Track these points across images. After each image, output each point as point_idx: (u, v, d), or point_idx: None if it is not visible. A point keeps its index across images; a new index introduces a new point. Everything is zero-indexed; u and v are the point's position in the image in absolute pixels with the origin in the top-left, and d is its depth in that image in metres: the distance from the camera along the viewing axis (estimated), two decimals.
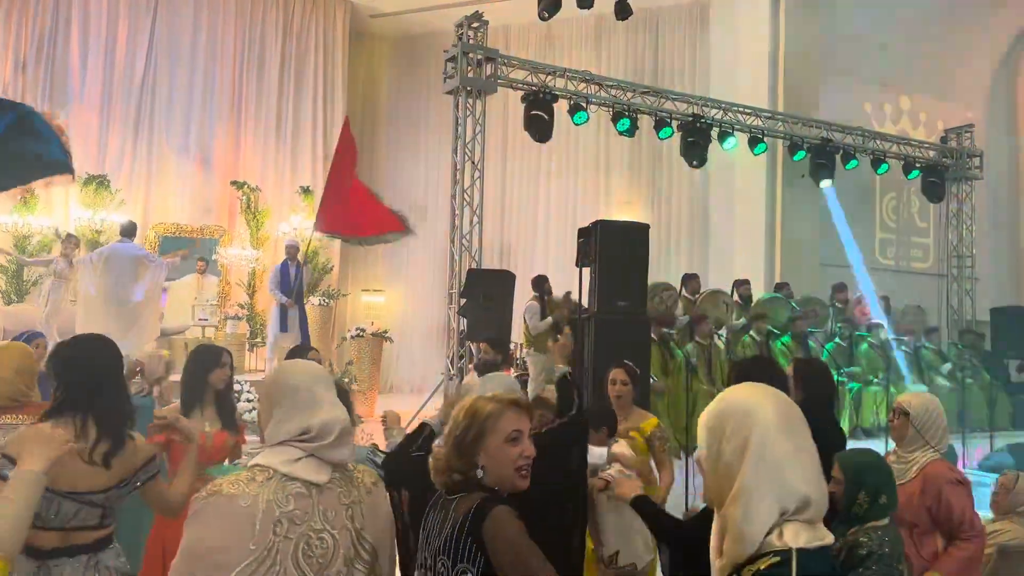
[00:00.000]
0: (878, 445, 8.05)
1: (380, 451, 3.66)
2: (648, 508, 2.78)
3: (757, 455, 1.49)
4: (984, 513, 4.36)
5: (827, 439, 3.61)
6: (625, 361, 4.38)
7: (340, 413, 2.00)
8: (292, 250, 10.57)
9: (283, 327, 10.28)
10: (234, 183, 13.46)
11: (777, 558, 1.44)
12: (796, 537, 1.46)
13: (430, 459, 2.19)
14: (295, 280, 10.31)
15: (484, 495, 2.04)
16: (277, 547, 1.83)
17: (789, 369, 3.90)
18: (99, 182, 12.25)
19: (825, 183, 11.77)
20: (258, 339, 12.84)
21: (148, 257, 9.97)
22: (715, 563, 1.56)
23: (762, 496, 1.47)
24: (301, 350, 4.97)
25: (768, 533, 1.46)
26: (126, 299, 9.43)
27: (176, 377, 4.32)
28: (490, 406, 2.13)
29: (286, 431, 1.94)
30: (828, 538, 1.50)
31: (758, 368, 3.58)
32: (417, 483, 2.55)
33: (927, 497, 3.33)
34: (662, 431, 4.31)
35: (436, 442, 2.79)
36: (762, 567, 1.44)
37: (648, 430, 4.24)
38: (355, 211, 8.93)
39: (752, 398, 1.59)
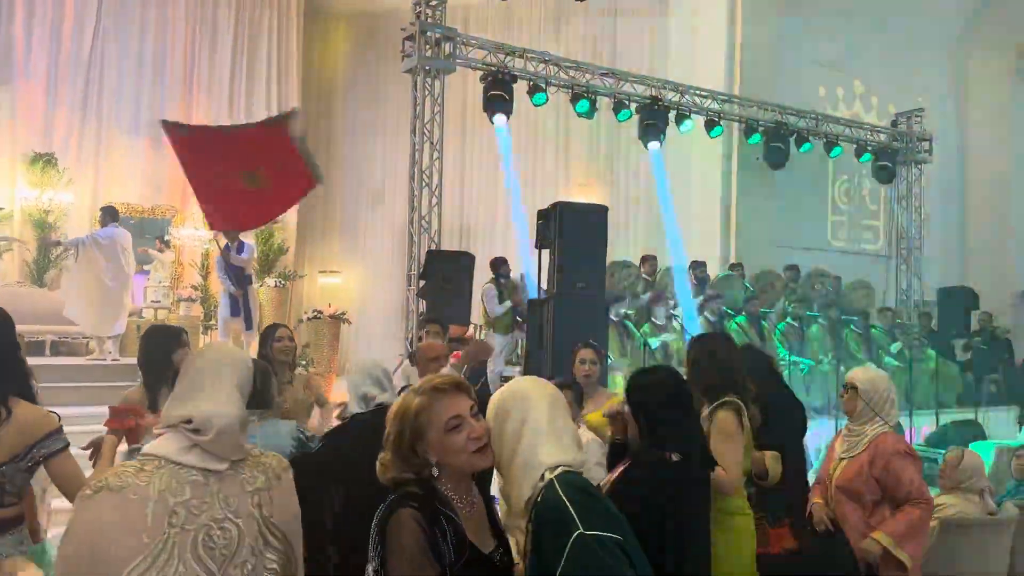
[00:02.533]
0: (829, 423, 8.25)
1: (304, 431, 3.66)
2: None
3: (532, 428, 1.97)
4: (932, 488, 4.51)
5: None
6: (591, 341, 4.41)
7: (227, 409, 1.86)
8: (233, 233, 10.29)
9: (233, 311, 10.08)
10: None
11: (542, 483, 1.91)
12: (552, 470, 1.93)
13: (377, 463, 2.01)
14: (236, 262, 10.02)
15: (407, 491, 1.93)
16: (173, 539, 1.72)
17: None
18: (46, 160, 11.91)
19: (779, 166, 11.93)
20: (212, 322, 12.64)
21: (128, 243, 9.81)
22: (502, 510, 2.05)
23: (536, 456, 1.94)
24: (272, 328, 4.90)
25: (540, 480, 1.92)
26: (112, 283, 9.38)
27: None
28: (416, 400, 1.97)
29: (176, 415, 1.84)
30: (574, 461, 1.98)
31: (714, 343, 3.65)
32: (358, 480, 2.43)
33: (876, 468, 3.43)
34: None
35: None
36: (538, 499, 1.90)
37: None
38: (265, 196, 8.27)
39: (528, 387, 2.08)
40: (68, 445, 2.61)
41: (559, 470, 1.93)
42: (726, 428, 3.16)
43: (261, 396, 3.37)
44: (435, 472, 1.96)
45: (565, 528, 1.82)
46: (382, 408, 3.19)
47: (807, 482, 3.95)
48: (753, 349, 4.64)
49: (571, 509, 1.84)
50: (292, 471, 2.01)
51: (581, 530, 1.81)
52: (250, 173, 6.92)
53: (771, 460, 3.50)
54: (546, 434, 1.97)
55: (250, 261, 9.88)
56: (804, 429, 4.01)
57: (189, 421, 1.82)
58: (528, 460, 1.95)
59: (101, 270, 9.28)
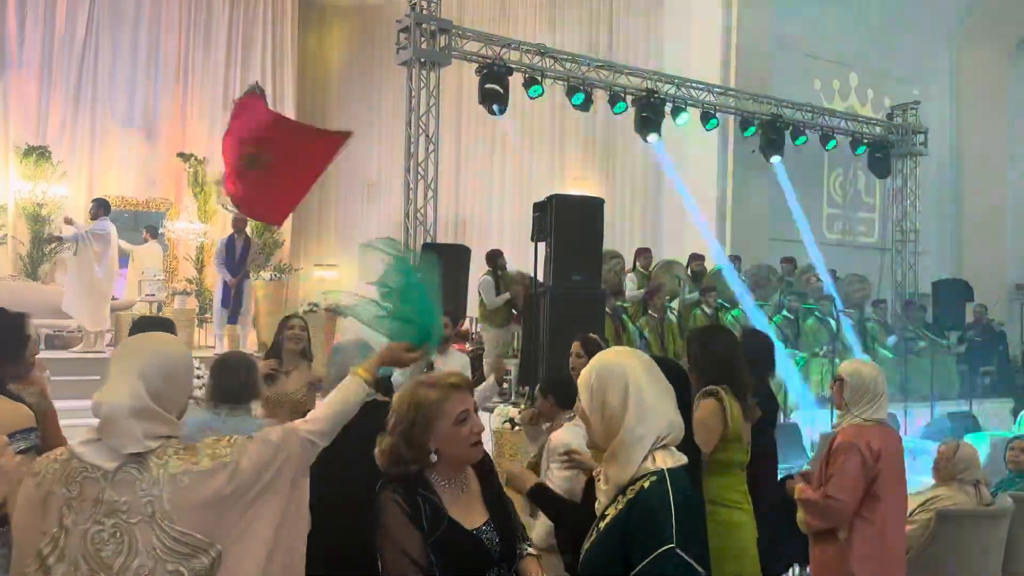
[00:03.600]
0: (824, 415, 8.27)
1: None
2: (544, 497, 2.78)
3: (636, 399, 1.93)
4: (927, 479, 4.52)
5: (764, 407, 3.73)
6: (591, 334, 4.41)
7: (116, 398, 1.74)
8: (239, 223, 10.31)
9: (226, 303, 10.08)
10: (180, 155, 13.16)
11: (655, 477, 1.87)
12: (664, 460, 1.90)
13: (376, 450, 2.18)
14: (240, 255, 10.06)
15: (391, 476, 2.14)
16: (63, 538, 1.65)
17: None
18: (40, 153, 11.86)
19: (775, 159, 11.93)
20: (207, 314, 12.63)
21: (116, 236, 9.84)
22: (601, 488, 1.98)
23: (642, 430, 1.91)
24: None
25: (643, 460, 1.90)
26: (102, 276, 9.47)
27: None
28: (433, 393, 2.16)
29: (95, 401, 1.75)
30: (684, 459, 1.95)
31: (712, 334, 3.69)
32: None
33: (829, 455, 3.45)
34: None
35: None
36: (645, 484, 1.87)
37: None
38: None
39: (623, 358, 2.04)
40: (33, 448, 2.52)
41: (672, 461, 1.91)
42: (700, 415, 3.17)
43: (246, 388, 3.36)
44: (434, 459, 2.14)
45: (659, 533, 1.81)
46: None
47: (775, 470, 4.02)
48: (756, 333, 4.64)
49: (673, 516, 1.81)
50: (228, 463, 1.79)
51: (674, 546, 1.79)
52: (252, 158, 7.03)
53: None
54: (650, 406, 1.94)
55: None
56: (773, 421, 4.11)
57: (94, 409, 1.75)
58: (634, 433, 1.92)
59: (95, 264, 9.31)
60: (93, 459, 1.71)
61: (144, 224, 12.84)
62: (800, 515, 3.49)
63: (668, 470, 1.88)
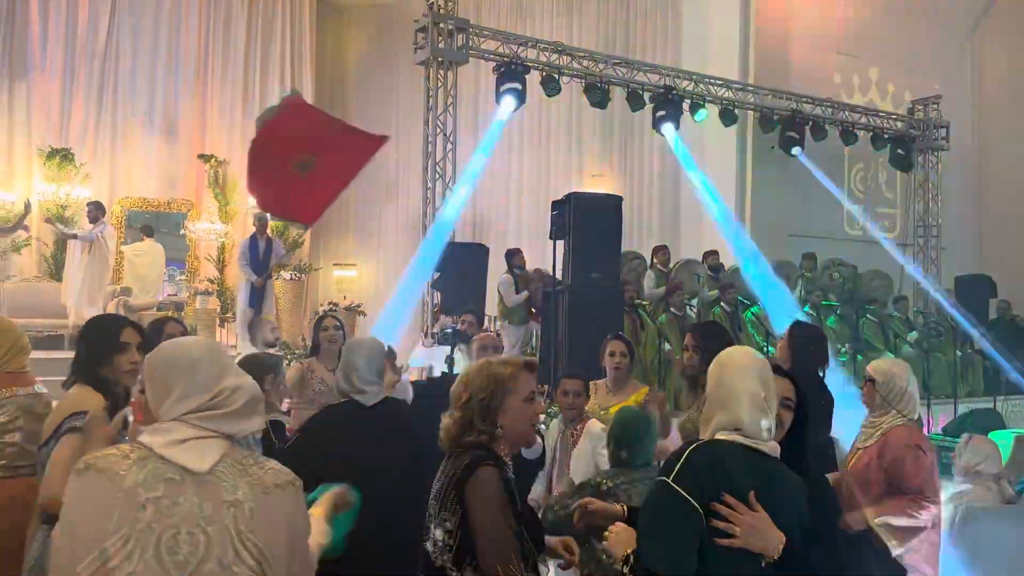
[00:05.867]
0: (848, 413, 8.20)
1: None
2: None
3: (727, 394, 2.10)
4: (947, 477, 4.49)
5: (816, 401, 3.73)
6: (619, 333, 4.44)
7: (248, 380, 1.85)
8: (261, 223, 10.40)
9: (252, 303, 10.17)
10: (201, 156, 13.26)
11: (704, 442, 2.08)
12: (729, 436, 2.05)
13: (446, 425, 2.26)
14: (264, 255, 10.15)
15: (476, 452, 2.18)
16: (136, 536, 1.63)
17: (785, 331, 4.06)
18: (63, 155, 12.00)
19: (795, 150, 11.82)
20: (228, 314, 12.73)
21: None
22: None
23: (721, 416, 2.08)
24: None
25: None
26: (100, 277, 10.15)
27: None
28: (508, 369, 2.27)
29: (185, 407, 1.74)
30: (761, 444, 2.04)
31: (710, 331, 3.81)
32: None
33: (883, 461, 3.39)
34: (653, 395, 4.35)
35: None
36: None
37: (641, 399, 4.30)
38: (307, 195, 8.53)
39: (736, 353, 2.21)
40: (76, 430, 2.67)
41: (734, 434, 2.05)
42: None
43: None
44: (499, 433, 2.23)
45: (666, 469, 2.04)
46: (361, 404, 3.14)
47: None
48: (805, 324, 4.65)
49: (679, 461, 2.01)
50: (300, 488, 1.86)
51: (666, 479, 1.99)
52: (303, 163, 7.08)
53: None
54: (737, 402, 2.07)
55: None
56: (831, 414, 4.08)
57: (210, 400, 1.75)
58: (713, 416, 2.10)
59: (97, 264, 9.92)
60: (182, 460, 1.70)
61: (166, 226, 12.98)
62: (887, 535, 3.34)
63: (722, 439, 2.04)
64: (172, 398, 1.75)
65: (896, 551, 3.31)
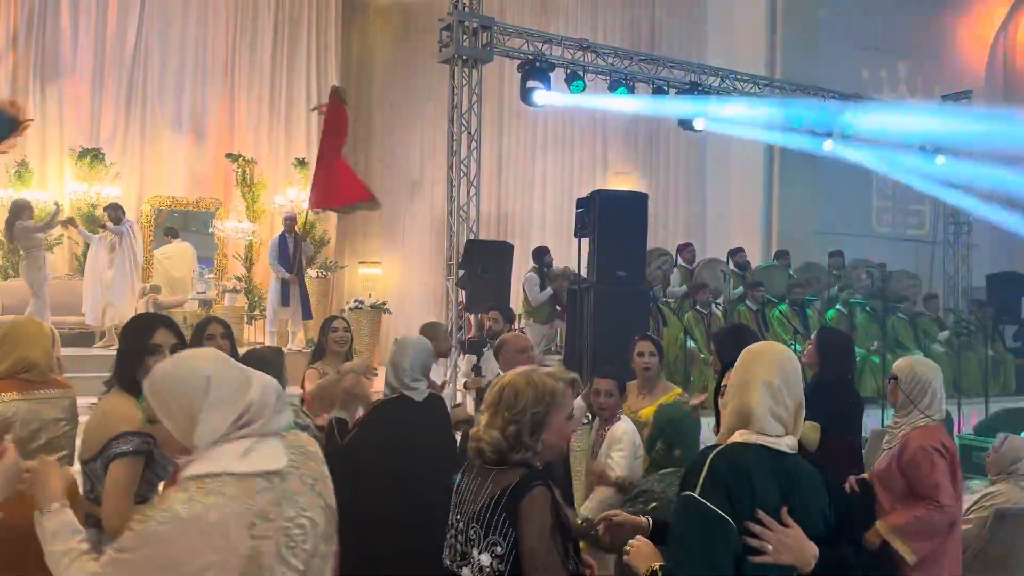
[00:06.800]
0: (877, 412, 8.12)
1: (305, 412, 3.80)
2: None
3: (748, 391, 2.07)
4: (978, 479, 4.44)
5: (844, 402, 3.70)
6: (648, 333, 4.42)
7: (265, 377, 1.83)
8: (290, 222, 10.50)
9: (284, 301, 10.28)
10: (229, 155, 13.39)
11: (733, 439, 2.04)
12: (746, 437, 2.02)
13: (492, 437, 2.13)
14: (294, 253, 10.26)
15: (525, 471, 2.09)
16: (259, 550, 1.67)
17: (813, 338, 4.10)
18: (93, 155, 12.18)
19: (827, 144, 11.69)
20: (256, 312, 12.85)
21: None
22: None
23: (745, 416, 2.04)
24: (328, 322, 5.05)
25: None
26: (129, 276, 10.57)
27: None
28: (559, 385, 2.19)
29: (218, 426, 1.71)
30: (780, 444, 2.01)
31: (734, 334, 3.78)
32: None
33: (902, 461, 3.35)
34: (685, 399, 4.32)
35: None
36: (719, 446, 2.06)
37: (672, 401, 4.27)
38: (337, 183, 8.76)
39: (763, 345, 2.23)
40: (133, 451, 2.55)
41: (751, 435, 2.02)
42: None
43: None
44: (540, 448, 2.14)
45: (689, 484, 1.99)
46: (408, 400, 3.33)
47: None
48: (832, 330, 4.65)
49: (703, 472, 1.96)
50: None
51: (693, 493, 1.95)
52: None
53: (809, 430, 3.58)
54: (750, 390, 2.06)
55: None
56: (860, 415, 4.16)
57: (241, 416, 1.73)
58: (728, 403, 2.12)
59: (126, 261, 10.36)
60: (262, 466, 1.72)
61: (195, 225, 13.13)
62: (902, 547, 3.27)
63: (745, 444, 2.01)
64: (204, 424, 1.71)
65: (911, 560, 3.26)
